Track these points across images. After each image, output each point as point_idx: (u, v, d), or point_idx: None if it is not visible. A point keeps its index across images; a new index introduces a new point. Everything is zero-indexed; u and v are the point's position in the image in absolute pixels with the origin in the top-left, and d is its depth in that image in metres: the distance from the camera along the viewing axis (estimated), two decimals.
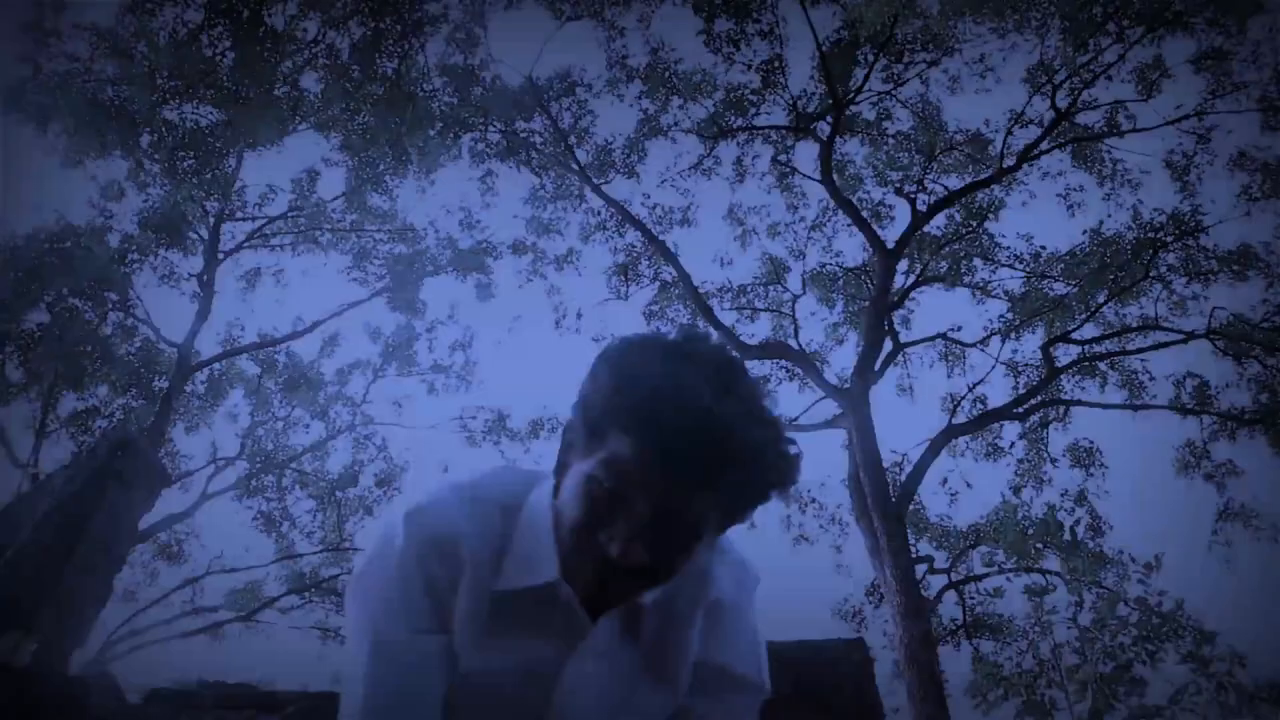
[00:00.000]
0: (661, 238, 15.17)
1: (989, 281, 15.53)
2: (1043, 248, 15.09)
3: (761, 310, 16.12)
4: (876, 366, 13.23)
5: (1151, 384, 14.76)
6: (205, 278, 15.78)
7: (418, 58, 14.19)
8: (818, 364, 15.01)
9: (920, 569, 12.80)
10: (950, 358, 15.96)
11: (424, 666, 1.01)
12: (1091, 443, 14.90)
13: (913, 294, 15.48)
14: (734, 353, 0.99)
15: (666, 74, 14.97)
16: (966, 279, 15.64)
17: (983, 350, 15.34)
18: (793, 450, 0.96)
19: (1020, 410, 14.08)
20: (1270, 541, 13.92)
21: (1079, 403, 14.62)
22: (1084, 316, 14.34)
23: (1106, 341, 14.57)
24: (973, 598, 14.64)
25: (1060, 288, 14.87)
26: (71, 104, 12.45)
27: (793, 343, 14.98)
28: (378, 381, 18.35)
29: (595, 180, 15.40)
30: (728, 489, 0.93)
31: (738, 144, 15.69)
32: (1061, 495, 14.82)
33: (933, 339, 15.68)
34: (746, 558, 1.18)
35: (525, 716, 1.05)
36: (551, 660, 1.04)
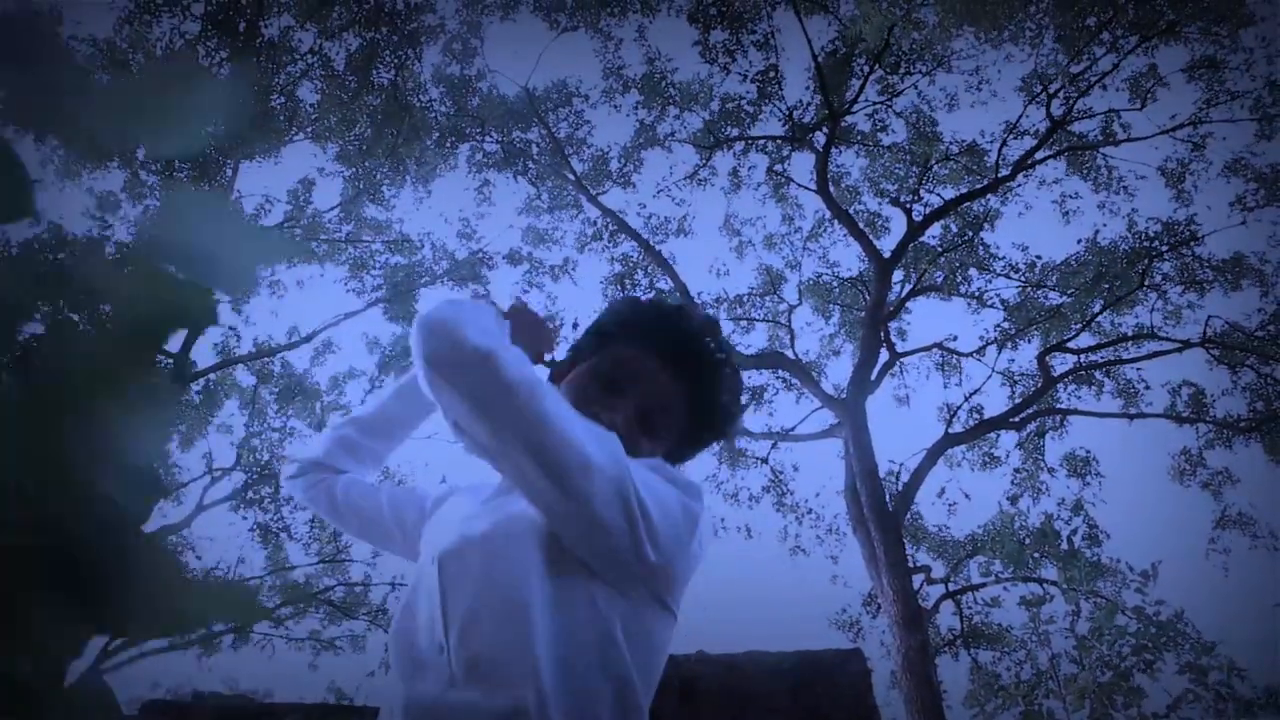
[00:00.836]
0: (658, 248, 15.20)
1: (985, 291, 15.57)
2: (1038, 257, 15.15)
3: (758, 320, 16.14)
4: (873, 376, 13.23)
5: (1147, 393, 14.82)
6: None
7: (414, 68, 14.23)
8: (814, 374, 15.02)
9: (917, 579, 12.78)
10: (946, 367, 15.97)
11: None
12: (1088, 452, 14.93)
13: (909, 304, 15.51)
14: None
15: (662, 84, 15.02)
16: (962, 289, 15.67)
17: (979, 360, 15.38)
18: (744, 398, 1.29)
19: (1017, 419, 14.08)
20: (1268, 550, 13.94)
21: (1075, 412, 14.64)
22: (1080, 326, 14.37)
23: (1102, 350, 14.59)
24: (970, 607, 14.63)
25: (1056, 297, 14.91)
26: (68, 115, 12.43)
27: (789, 353, 14.99)
28: (374, 392, 18.33)
29: (592, 190, 15.43)
30: (698, 398, 1.21)
31: (734, 154, 15.75)
32: (1059, 504, 14.84)
33: (929, 349, 15.70)
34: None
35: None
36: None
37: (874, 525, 11.11)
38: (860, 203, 15.73)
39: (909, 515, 13.74)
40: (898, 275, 14.81)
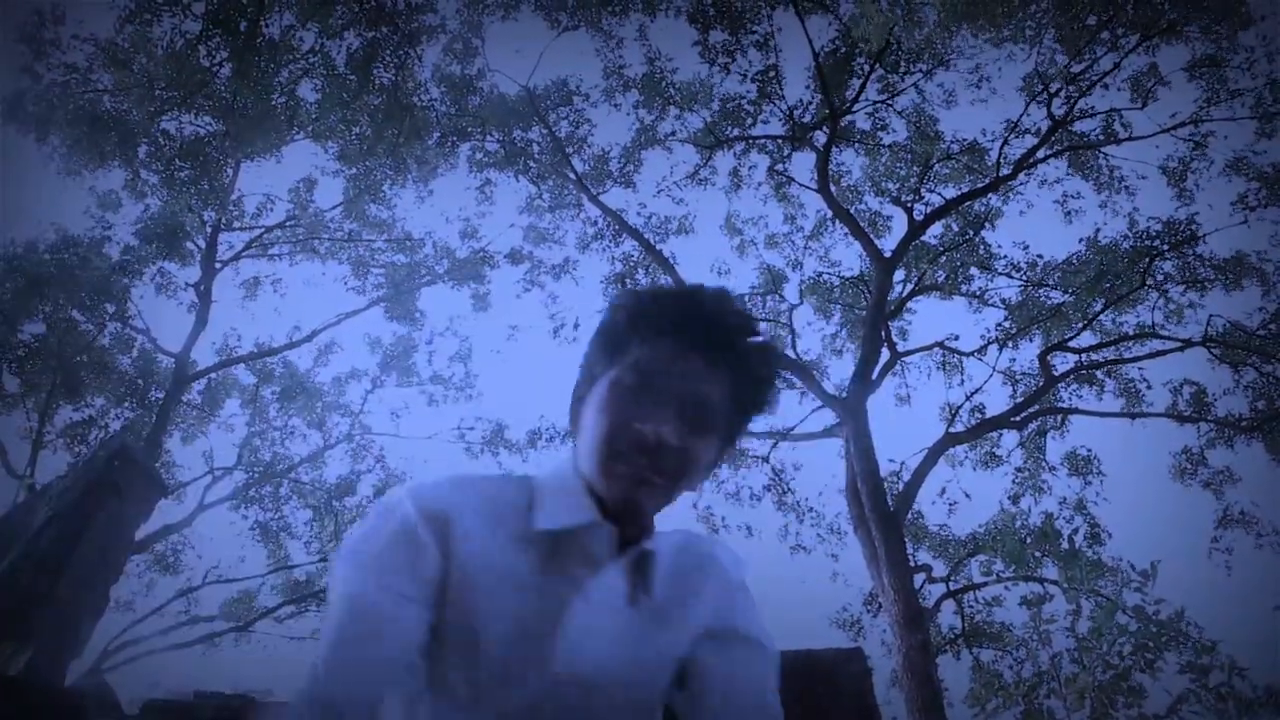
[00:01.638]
0: (659, 247, 15.20)
1: (986, 290, 15.56)
2: (1039, 256, 15.15)
3: (759, 320, 16.11)
4: (874, 375, 13.23)
5: (1149, 392, 14.82)
6: (203, 287, 15.78)
7: (415, 68, 14.23)
8: (815, 373, 15.02)
9: (918, 578, 12.79)
10: (948, 367, 15.97)
11: (397, 628, 1.00)
12: (1089, 451, 14.94)
13: (910, 303, 15.51)
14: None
15: (663, 84, 15.02)
16: (964, 288, 15.66)
17: (980, 359, 15.37)
18: (777, 356, 1.19)
19: (1018, 419, 14.07)
20: (1271, 548, 13.93)
21: (1076, 411, 14.64)
22: (1081, 325, 14.36)
23: (1103, 350, 14.59)
24: (971, 607, 14.62)
25: (1057, 296, 14.91)
26: (70, 114, 12.48)
27: (790, 352, 14.99)
28: (375, 391, 18.36)
29: (592, 189, 15.43)
30: (740, 381, 1.13)
31: (734, 154, 15.74)
32: (1060, 503, 14.84)
33: (930, 348, 15.70)
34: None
35: (526, 654, 1.04)
36: (559, 598, 1.07)
37: (875, 524, 11.11)
38: (861, 202, 15.73)
39: (910, 514, 13.75)
40: (899, 274, 14.82)
